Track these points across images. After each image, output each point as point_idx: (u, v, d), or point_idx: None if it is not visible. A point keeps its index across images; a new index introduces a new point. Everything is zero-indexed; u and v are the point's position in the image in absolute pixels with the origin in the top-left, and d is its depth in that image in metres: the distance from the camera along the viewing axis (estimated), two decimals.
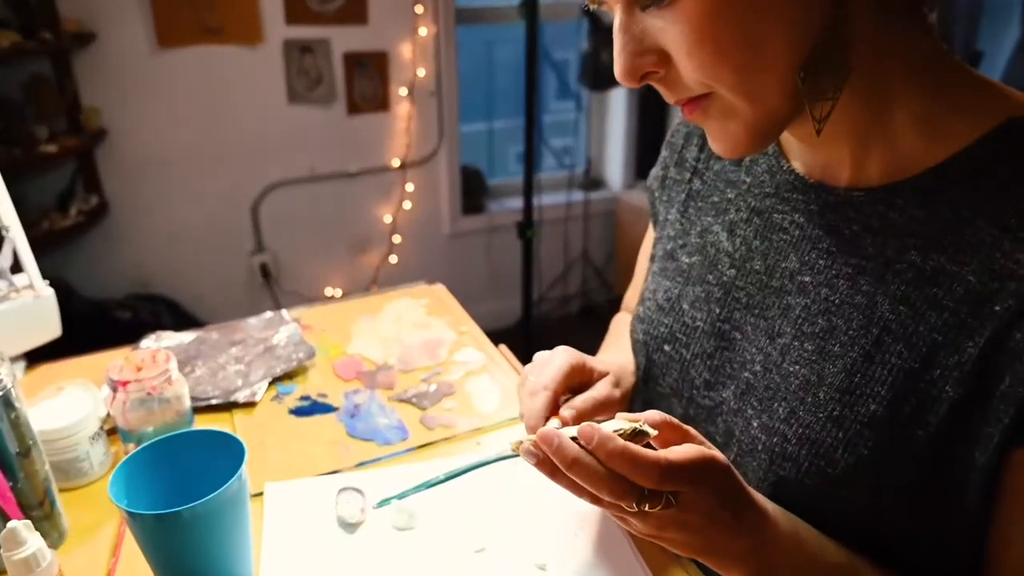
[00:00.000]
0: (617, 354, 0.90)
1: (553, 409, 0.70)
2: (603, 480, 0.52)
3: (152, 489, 0.71)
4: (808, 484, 0.63)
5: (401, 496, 0.82)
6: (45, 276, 1.07)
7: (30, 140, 2.44)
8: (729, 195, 0.77)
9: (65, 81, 2.54)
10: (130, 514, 0.64)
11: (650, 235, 0.94)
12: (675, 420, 0.58)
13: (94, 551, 0.78)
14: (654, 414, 0.58)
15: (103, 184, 2.73)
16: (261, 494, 0.84)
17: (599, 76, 3.22)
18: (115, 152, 2.72)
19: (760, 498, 0.59)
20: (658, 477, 0.51)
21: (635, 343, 0.83)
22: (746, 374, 0.71)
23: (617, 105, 3.58)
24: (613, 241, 3.73)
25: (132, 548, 0.71)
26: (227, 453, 0.70)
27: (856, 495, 0.62)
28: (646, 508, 0.52)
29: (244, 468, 0.68)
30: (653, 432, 0.57)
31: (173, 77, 2.71)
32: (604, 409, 0.73)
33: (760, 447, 0.67)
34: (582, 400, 0.72)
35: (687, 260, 0.79)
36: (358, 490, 0.83)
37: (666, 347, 0.78)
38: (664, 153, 0.87)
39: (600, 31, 3.18)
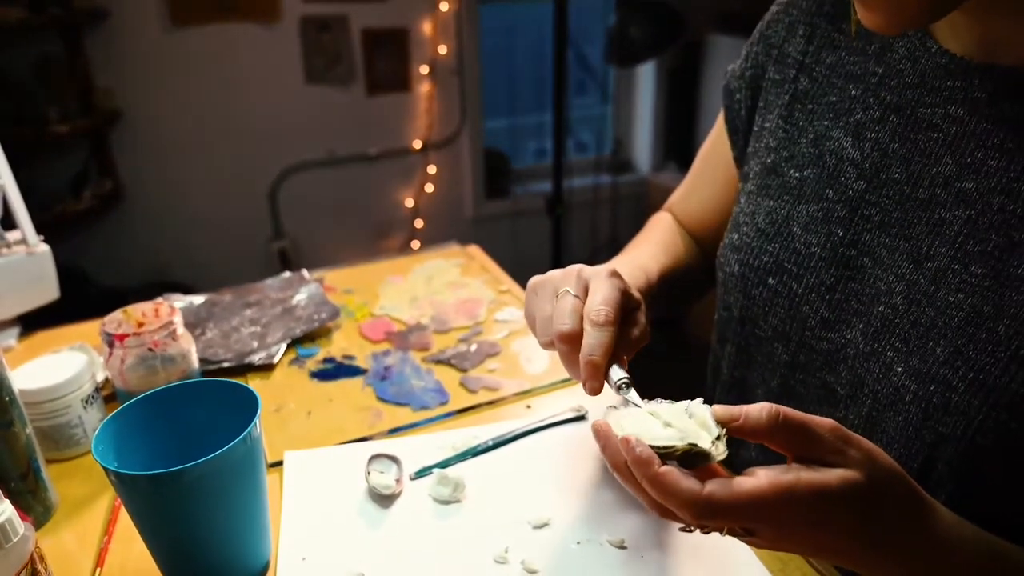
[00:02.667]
0: (629, 262, 0.74)
1: (613, 346, 0.56)
2: (643, 496, 0.45)
3: (148, 449, 0.59)
4: (981, 443, 0.50)
5: (444, 464, 0.71)
6: (59, 263, 0.95)
7: (41, 121, 2.35)
8: (853, 92, 0.63)
9: (77, 61, 2.45)
10: (119, 476, 0.52)
11: (716, 136, 0.81)
12: (795, 418, 0.43)
13: (85, 529, 0.66)
14: (759, 413, 0.43)
15: (118, 168, 2.64)
16: (280, 464, 0.72)
17: (627, 52, 3.09)
18: (129, 135, 2.63)
19: (939, 515, 0.45)
20: (690, 515, 0.42)
21: (728, 277, 0.70)
22: (881, 308, 0.57)
23: (644, 85, 3.44)
24: (642, 225, 3.58)
25: (129, 526, 0.59)
26: (237, 408, 0.58)
27: None
28: (700, 533, 0.44)
29: (258, 422, 0.56)
30: (721, 454, 0.44)
31: (187, 56, 2.61)
32: (639, 345, 0.60)
33: (909, 398, 0.54)
34: (630, 343, 0.59)
35: (797, 174, 0.65)
36: (393, 458, 0.71)
37: (770, 280, 0.65)
38: (755, 49, 0.73)
39: (628, 4, 3.05)
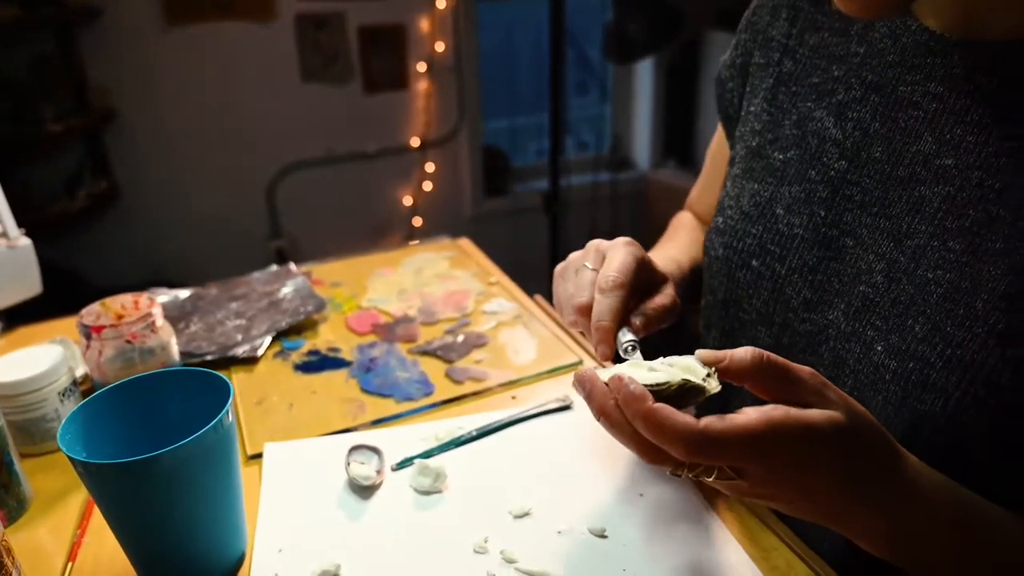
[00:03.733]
0: (660, 256, 0.74)
1: (625, 310, 0.57)
2: (631, 440, 0.43)
3: (119, 440, 0.58)
4: (960, 420, 0.49)
5: (426, 455, 0.69)
6: (54, 263, 0.94)
7: (35, 120, 2.35)
8: (835, 72, 0.62)
9: (71, 59, 2.45)
10: (85, 466, 0.51)
11: (720, 130, 0.81)
12: (778, 361, 0.44)
13: (59, 523, 0.65)
14: (744, 355, 0.44)
15: (113, 167, 2.63)
16: (260, 456, 0.71)
17: (625, 49, 3.08)
18: (124, 134, 2.62)
19: (911, 463, 0.46)
20: (685, 449, 0.41)
21: (712, 261, 0.69)
22: (862, 287, 0.56)
23: (643, 81, 3.43)
24: (642, 223, 3.57)
25: (103, 520, 0.57)
26: (211, 397, 0.57)
27: (1023, 433, 0.47)
28: (690, 477, 0.42)
29: (231, 410, 0.55)
30: (715, 388, 0.44)
31: (183, 55, 2.60)
32: (667, 319, 0.60)
33: (888, 376, 0.53)
34: (653, 308, 0.59)
35: (780, 156, 0.65)
36: (374, 449, 0.69)
37: (754, 262, 0.64)
38: (743, 37, 0.72)
39: (626, 2, 3.03)
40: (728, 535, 0.59)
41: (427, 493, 0.65)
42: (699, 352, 0.46)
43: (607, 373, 0.47)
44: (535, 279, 3.03)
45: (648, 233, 3.56)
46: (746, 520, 0.61)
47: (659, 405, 0.41)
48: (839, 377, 0.58)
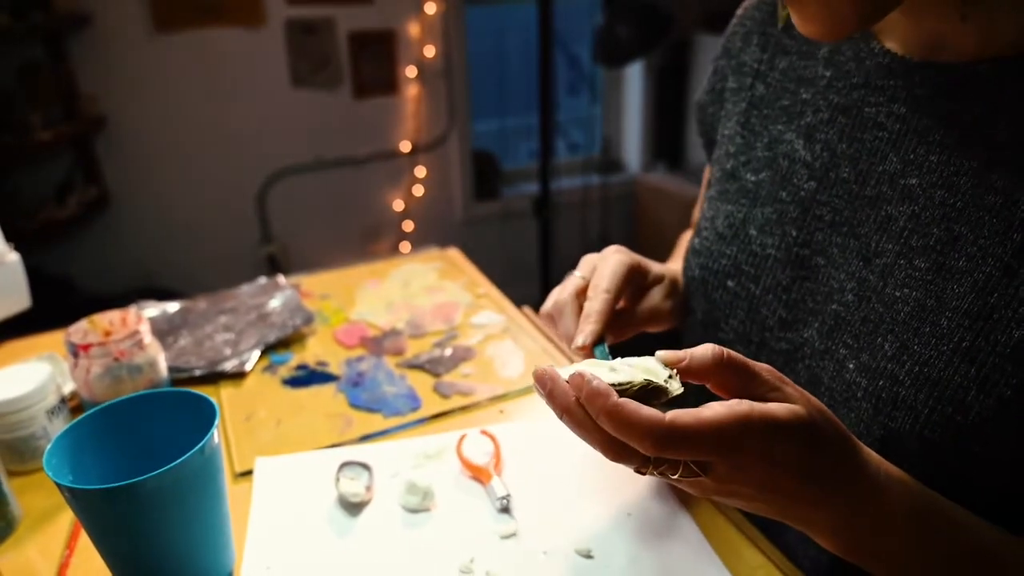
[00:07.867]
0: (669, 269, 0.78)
1: (611, 313, 0.60)
2: (595, 437, 0.42)
3: (106, 462, 0.58)
4: (928, 437, 0.50)
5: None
6: (44, 271, 0.94)
7: (24, 128, 2.34)
8: (804, 95, 0.63)
9: (60, 67, 2.44)
10: (72, 491, 0.51)
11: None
12: (737, 358, 0.44)
13: (48, 542, 0.65)
14: (704, 352, 0.44)
15: (103, 174, 2.63)
16: (250, 472, 0.71)
17: (614, 52, 3.08)
18: (114, 141, 2.61)
19: (868, 456, 0.46)
20: (653, 444, 0.40)
21: (690, 281, 0.70)
22: (834, 306, 0.57)
23: (633, 84, 3.44)
24: (632, 225, 3.58)
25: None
26: (197, 418, 0.58)
27: (991, 449, 0.48)
28: (655, 474, 0.42)
29: (216, 432, 0.55)
30: (676, 389, 0.44)
31: (172, 61, 2.60)
32: (653, 320, 0.67)
33: (860, 394, 0.53)
34: (639, 317, 0.66)
35: (753, 178, 0.66)
36: (364, 465, 0.70)
37: (729, 283, 0.65)
38: (720, 62, 0.74)
39: (615, 4, 3.04)
40: (713, 554, 0.59)
41: (415, 511, 0.65)
42: (659, 353, 0.45)
43: (567, 371, 0.46)
44: (527, 283, 3.04)
45: (638, 234, 3.55)
46: (732, 538, 0.61)
47: (624, 400, 0.41)
48: (815, 394, 0.58)
